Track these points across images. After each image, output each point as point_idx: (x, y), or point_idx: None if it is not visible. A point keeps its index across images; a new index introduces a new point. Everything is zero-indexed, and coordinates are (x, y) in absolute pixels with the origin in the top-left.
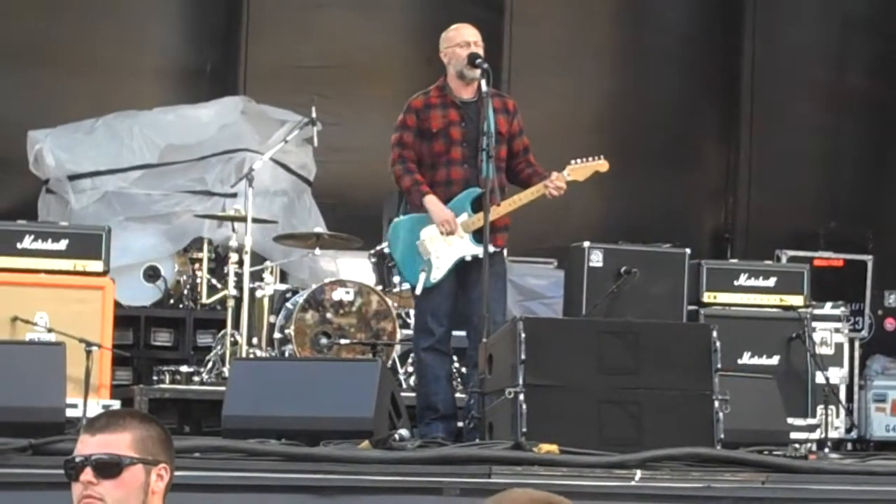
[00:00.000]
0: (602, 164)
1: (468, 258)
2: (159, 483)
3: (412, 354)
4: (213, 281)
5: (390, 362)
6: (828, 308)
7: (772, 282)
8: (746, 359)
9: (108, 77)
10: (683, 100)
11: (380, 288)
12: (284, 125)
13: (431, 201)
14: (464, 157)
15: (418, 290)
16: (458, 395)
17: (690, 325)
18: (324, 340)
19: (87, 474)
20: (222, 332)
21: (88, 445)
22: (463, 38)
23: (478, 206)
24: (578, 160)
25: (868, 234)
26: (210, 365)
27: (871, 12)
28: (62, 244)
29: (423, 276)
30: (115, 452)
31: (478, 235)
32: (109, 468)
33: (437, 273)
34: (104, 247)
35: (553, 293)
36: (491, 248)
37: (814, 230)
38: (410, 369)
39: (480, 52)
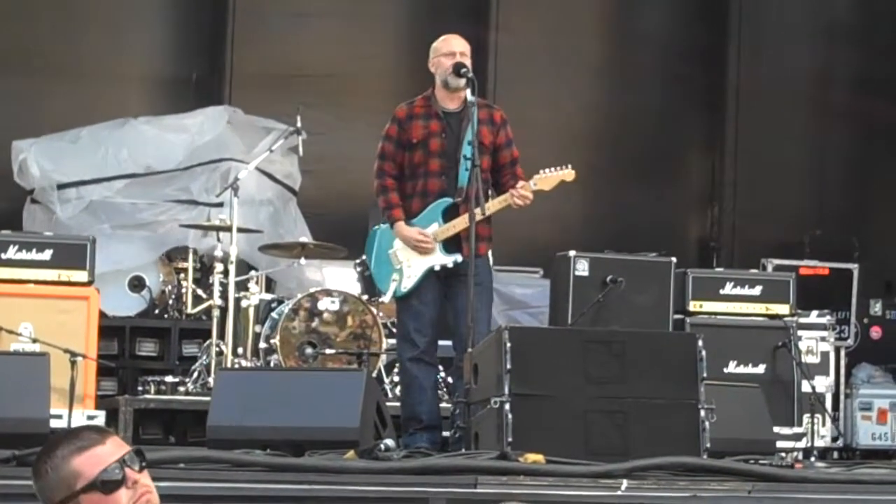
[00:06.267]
0: (568, 174)
1: (437, 268)
2: None
3: (398, 364)
4: (199, 291)
5: (376, 372)
6: (814, 317)
7: (758, 290)
8: (732, 368)
9: (93, 86)
10: (669, 109)
11: (365, 297)
12: (270, 134)
13: (400, 229)
14: (442, 168)
15: (386, 298)
16: (443, 404)
17: (676, 334)
18: (309, 350)
19: (133, 473)
20: (207, 342)
21: (111, 452)
22: (449, 49)
23: (449, 215)
24: (546, 170)
25: (854, 243)
26: (195, 375)
27: (856, 24)
28: (47, 254)
29: (393, 285)
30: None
31: (448, 245)
32: (141, 460)
33: (408, 282)
34: (89, 257)
35: (539, 302)
36: (460, 258)
37: (799, 239)
38: (396, 379)
39: (467, 62)
